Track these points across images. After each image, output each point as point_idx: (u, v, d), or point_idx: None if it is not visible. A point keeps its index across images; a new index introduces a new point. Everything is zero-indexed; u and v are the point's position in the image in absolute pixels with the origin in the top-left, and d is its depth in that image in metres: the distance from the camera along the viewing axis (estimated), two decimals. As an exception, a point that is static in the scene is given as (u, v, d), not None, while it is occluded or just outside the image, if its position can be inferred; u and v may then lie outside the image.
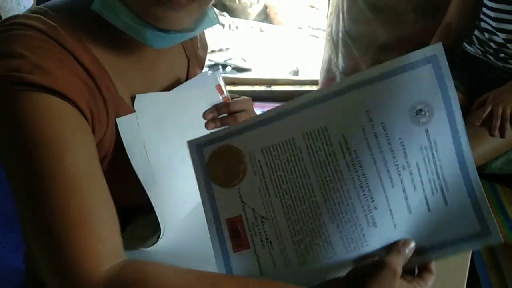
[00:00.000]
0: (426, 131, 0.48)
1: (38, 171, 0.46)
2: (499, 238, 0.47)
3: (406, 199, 0.49)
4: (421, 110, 0.47)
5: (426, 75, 0.47)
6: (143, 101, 0.61)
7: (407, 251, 0.48)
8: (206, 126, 0.69)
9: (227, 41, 2.85)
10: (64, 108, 0.50)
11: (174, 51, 0.70)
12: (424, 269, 0.50)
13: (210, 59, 2.64)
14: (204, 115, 0.69)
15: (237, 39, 2.97)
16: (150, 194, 0.61)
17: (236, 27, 3.11)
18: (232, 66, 2.63)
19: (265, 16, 3.35)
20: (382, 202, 0.49)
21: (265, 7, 3.36)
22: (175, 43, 0.59)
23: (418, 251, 0.49)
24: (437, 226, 0.49)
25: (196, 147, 0.54)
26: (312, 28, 3.11)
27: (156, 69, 0.66)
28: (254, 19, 3.29)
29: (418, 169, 0.48)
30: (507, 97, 1.25)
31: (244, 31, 3.09)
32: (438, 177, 0.48)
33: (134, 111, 0.61)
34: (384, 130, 0.48)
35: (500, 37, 1.30)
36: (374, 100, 0.48)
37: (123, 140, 0.59)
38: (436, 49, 0.47)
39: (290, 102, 0.51)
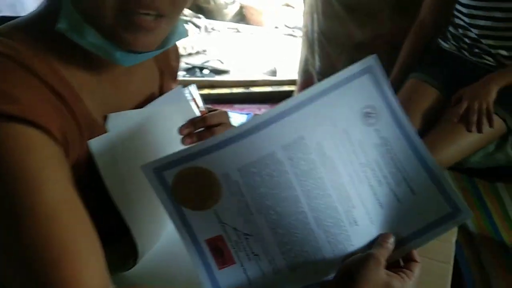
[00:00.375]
0: (376, 130, 0.53)
1: (15, 207, 0.44)
2: (469, 213, 0.50)
3: (375, 194, 0.53)
4: (368, 112, 0.53)
5: (366, 83, 0.53)
6: (116, 120, 0.59)
7: (388, 244, 0.50)
8: (183, 142, 0.67)
9: (203, 43, 2.83)
10: (35, 137, 0.47)
11: (147, 65, 0.68)
12: (408, 259, 0.52)
13: (187, 62, 2.61)
14: (180, 131, 0.67)
15: (213, 41, 2.94)
16: (125, 217, 0.59)
17: (212, 29, 3.09)
18: (210, 68, 2.60)
19: (241, 17, 3.33)
20: (357, 200, 0.52)
21: (241, 8, 3.34)
22: (146, 59, 0.57)
23: (398, 242, 0.51)
24: (411, 216, 0.52)
25: (154, 172, 0.51)
26: (289, 27, 3.11)
27: (129, 86, 0.64)
28: (230, 20, 3.27)
29: (378, 165, 0.53)
30: (483, 92, 1.27)
31: (221, 32, 3.07)
32: (399, 170, 0.53)
33: (107, 131, 0.59)
34: (347, 134, 0.53)
35: (473, 33, 1.31)
36: (334, 108, 0.53)
37: (96, 162, 0.57)
38: (370, 60, 0.54)
39: (258, 117, 0.51)
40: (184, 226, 0.51)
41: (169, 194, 0.51)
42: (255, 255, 0.51)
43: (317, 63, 1.71)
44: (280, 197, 0.50)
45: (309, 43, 1.75)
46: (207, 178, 0.51)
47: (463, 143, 1.27)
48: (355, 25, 1.55)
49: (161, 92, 0.71)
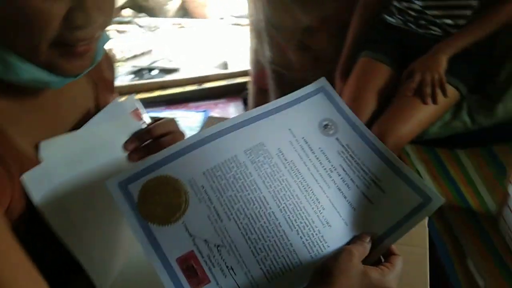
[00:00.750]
0: (337, 139, 0.57)
1: None
2: (440, 199, 0.51)
3: (345, 197, 0.54)
4: (327, 125, 0.58)
5: (322, 100, 0.60)
6: (48, 148, 0.53)
7: (364, 243, 0.50)
8: (130, 159, 0.61)
9: (148, 43, 2.73)
10: None
11: (78, 81, 0.62)
12: (388, 254, 0.51)
13: (133, 65, 2.52)
14: (124, 147, 0.61)
15: (159, 39, 2.85)
16: (74, 251, 0.54)
17: (156, 27, 2.99)
18: (158, 68, 2.52)
19: (184, 11, 3.24)
20: (326, 202, 0.53)
21: (183, 2, 3.25)
22: (78, 77, 0.52)
23: (375, 241, 0.51)
24: (384, 214, 0.52)
25: (119, 186, 0.49)
26: (235, 17, 3.05)
27: (59, 108, 0.58)
28: (173, 16, 3.18)
29: (344, 170, 0.55)
30: (433, 63, 1.27)
31: (165, 30, 2.98)
32: (366, 172, 0.55)
33: (40, 162, 0.52)
34: (306, 143, 0.57)
35: (418, 5, 1.31)
36: (292, 120, 0.57)
37: (32, 199, 0.51)
38: (321, 82, 0.61)
39: (219, 124, 0.54)
40: (152, 245, 0.48)
41: (135, 210, 0.49)
42: (230, 269, 0.48)
43: (267, 52, 1.67)
44: (248, 199, 0.50)
45: (257, 32, 1.71)
46: (174, 187, 0.50)
47: (421, 116, 1.27)
48: (300, 10, 1.52)
49: (98, 107, 0.65)
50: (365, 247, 0.50)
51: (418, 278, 0.64)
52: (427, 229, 0.73)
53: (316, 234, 0.51)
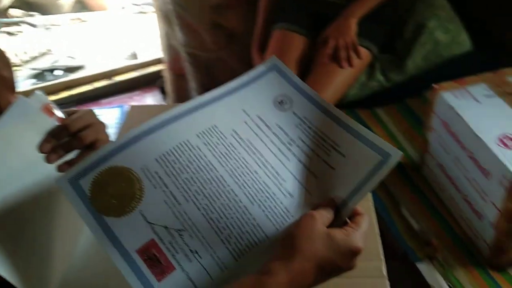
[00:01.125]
0: (294, 113, 0.58)
1: None
2: (398, 153, 0.51)
3: (306, 167, 0.54)
4: (282, 100, 0.58)
5: (274, 77, 0.60)
6: None
7: (328, 208, 0.49)
8: (48, 160, 0.56)
9: (46, 43, 2.52)
10: None
11: None
12: (352, 215, 0.50)
13: (33, 67, 2.32)
14: (40, 149, 0.55)
15: (57, 37, 2.64)
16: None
17: (52, 25, 2.77)
18: (61, 68, 2.34)
19: (81, 5, 3.03)
20: (287, 174, 0.53)
21: (78, -5, 3.04)
22: None
23: (340, 204, 0.51)
24: (346, 176, 0.52)
25: (70, 182, 0.48)
26: (137, 5, 2.92)
27: None
28: (70, 11, 2.96)
29: (303, 141, 0.56)
30: (344, 28, 1.31)
31: (62, 26, 2.77)
32: (324, 140, 0.55)
33: None
34: (262, 120, 0.57)
35: (322, -28, 1.33)
36: (245, 101, 0.58)
37: None
38: (273, 60, 0.61)
39: (169, 111, 0.53)
40: (110, 239, 0.46)
41: (89, 205, 0.47)
42: (194, 253, 0.46)
43: (180, 35, 1.61)
44: (205, 180, 0.50)
45: (166, 17, 1.64)
46: (126, 176, 0.48)
47: (340, 80, 1.31)
48: (206, -12, 1.48)
49: (0, 110, 0.58)
50: (329, 211, 0.49)
51: (368, 229, 0.66)
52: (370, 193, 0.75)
53: (279, 205, 0.50)
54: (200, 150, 0.52)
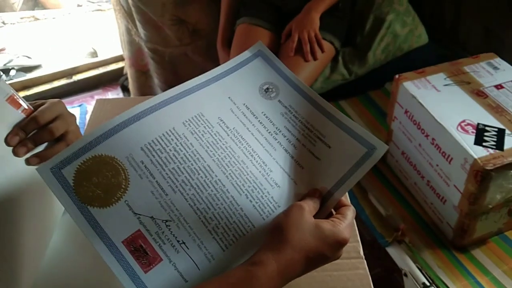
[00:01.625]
0: (279, 101, 0.57)
1: None
2: (384, 146, 0.51)
3: (292, 157, 0.54)
4: (268, 88, 0.58)
5: (260, 64, 0.59)
6: None
7: (314, 199, 0.50)
8: (16, 153, 0.53)
9: (-1, 42, 2.42)
10: None
11: None
12: (339, 206, 0.51)
13: (-15, 67, 2.21)
14: (7, 142, 0.53)
15: (10, 36, 2.54)
16: None
17: (3, 23, 2.65)
18: (17, 68, 2.25)
19: (34, 2, 2.92)
20: (273, 164, 0.53)
21: (30, -8, 2.92)
22: None
23: (325, 196, 0.51)
24: (332, 168, 0.52)
25: (52, 172, 0.46)
26: (93, 2, 2.84)
27: None
28: (22, 9, 2.84)
29: (289, 130, 0.55)
30: (307, 21, 1.33)
31: (15, 25, 2.65)
32: (310, 130, 0.55)
33: None
34: (248, 109, 0.56)
35: (284, -33, 1.34)
36: (231, 88, 0.57)
37: None
38: (257, 46, 0.61)
39: (154, 98, 0.52)
40: (95, 230, 0.44)
41: (72, 195, 0.46)
42: (181, 243, 0.46)
43: (142, 31, 1.59)
44: (192, 170, 0.49)
45: (126, 13, 1.61)
46: (111, 166, 0.47)
47: (305, 73, 1.32)
48: (167, -17, 1.46)
49: None
50: (315, 201, 0.49)
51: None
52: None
53: (266, 195, 0.50)
54: (186, 139, 0.51)
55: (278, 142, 0.55)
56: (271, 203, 0.50)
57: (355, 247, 0.62)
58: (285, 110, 0.57)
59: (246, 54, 0.60)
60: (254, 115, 0.56)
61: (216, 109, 0.55)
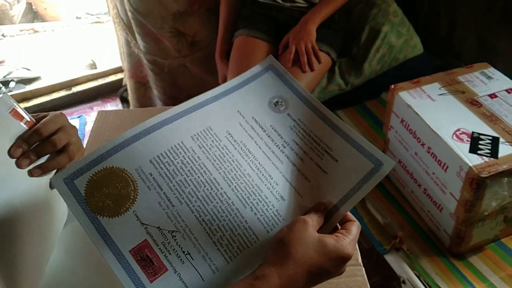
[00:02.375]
0: (288, 114, 0.58)
1: None
2: (391, 162, 0.51)
3: (299, 170, 0.54)
4: (277, 102, 0.59)
5: (270, 78, 0.60)
6: None
7: (319, 213, 0.50)
8: (19, 165, 0.54)
9: (-2, 54, 2.44)
10: None
11: None
12: (344, 221, 0.51)
13: (-15, 79, 2.23)
14: (10, 155, 0.54)
15: (10, 48, 2.56)
16: None
17: (3, 35, 2.68)
18: (16, 80, 2.27)
19: (33, 15, 2.95)
20: (279, 177, 0.53)
21: (30, 5, 2.95)
22: None
23: (331, 210, 0.51)
24: (338, 182, 0.52)
25: (65, 182, 0.48)
26: (92, 15, 2.87)
27: None
28: (21, 22, 2.87)
29: (297, 144, 0.56)
30: (304, 33, 1.35)
31: (15, 37, 2.68)
32: (318, 143, 0.55)
33: None
34: (256, 122, 0.57)
35: (280, -20, 1.37)
36: (241, 102, 0.58)
37: None
38: (270, 60, 0.62)
39: (163, 113, 0.54)
40: (104, 239, 0.46)
41: (83, 204, 0.47)
42: (187, 254, 0.47)
43: (141, 43, 1.61)
44: (198, 182, 0.50)
45: (125, 25, 1.63)
46: (121, 177, 0.49)
47: (302, 84, 1.34)
48: (166, -4, 1.49)
49: None
50: (320, 216, 0.49)
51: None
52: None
53: (271, 208, 0.51)
54: (194, 152, 0.52)
55: (285, 155, 0.55)
56: (275, 216, 0.51)
57: (354, 254, 0.63)
58: (294, 124, 0.57)
59: (257, 68, 0.61)
60: (263, 128, 0.57)
61: (224, 122, 0.56)
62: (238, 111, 0.57)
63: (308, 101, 0.58)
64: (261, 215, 0.50)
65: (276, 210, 0.51)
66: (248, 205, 0.50)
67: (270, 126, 0.57)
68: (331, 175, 0.53)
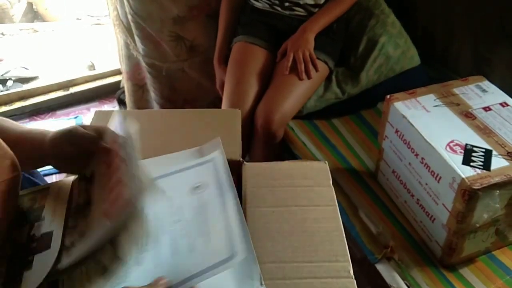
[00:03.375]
0: (199, 198, 0.70)
1: None
2: (243, 254, 0.59)
3: (175, 243, 0.64)
4: (198, 186, 0.72)
5: (206, 168, 0.76)
6: None
7: (158, 284, 0.55)
8: None
9: (-3, 52, 2.44)
10: None
11: None
12: None
13: (-17, 77, 2.23)
14: None
15: (9, 47, 2.56)
16: None
17: (2, 34, 2.68)
18: (14, 78, 2.27)
19: (33, 15, 2.96)
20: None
21: (30, 4, 2.96)
22: None
23: (187, 278, 0.57)
24: (201, 259, 0.60)
25: None
26: (93, 16, 2.88)
27: None
28: (21, 21, 2.87)
29: (188, 223, 0.66)
30: (303, 41, 1.36)
31: (14, 36, 2.68)
32: (207, 225, 0.65)
33: None
34: (170, 201, 0.70)
35: (280, -12, 1.38)
36: (171, 184, 0.74)
37: None
38: (216, 152, 0.77)
39: None
40: None
41: None
42: None
43: (140, 46, 1.61)
44: None
45: (125, 28, 1.64)
46: None
47: (299, 92, 1.35)
48: (166, 0, 1.50)
49: None
50: (158, 285, 0.55)
51: (335, 231, 0.69)
52: (332, 188, 0.78)
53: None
54: None
55: (178, 231, 0.66)
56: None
57: (345, 266, 0.63)
58: (198, 205, 0.68)
59: (200, 160, 0.77)
60: (172, 208, 0.68)
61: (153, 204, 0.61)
62: (166, 192, 0.70)
63: (221, 186, 0.71)
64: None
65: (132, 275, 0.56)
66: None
67: (177, 206, 0.69)
68: (197, 252, 0.62)
